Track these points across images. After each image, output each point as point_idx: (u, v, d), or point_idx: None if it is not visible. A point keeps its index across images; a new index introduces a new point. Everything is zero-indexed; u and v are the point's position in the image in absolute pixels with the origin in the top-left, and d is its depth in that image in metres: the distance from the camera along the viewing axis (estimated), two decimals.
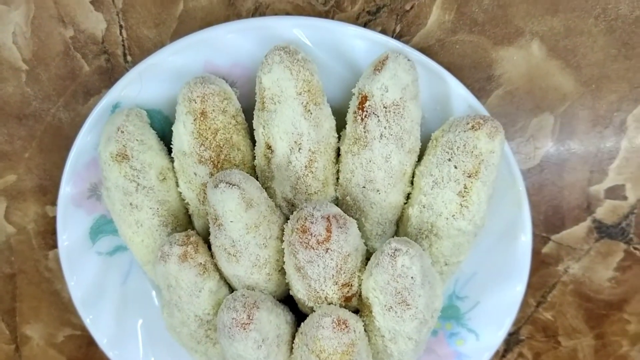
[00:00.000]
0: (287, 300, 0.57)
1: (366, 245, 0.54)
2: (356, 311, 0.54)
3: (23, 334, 0.67)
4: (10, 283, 0.65)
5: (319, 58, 0.53)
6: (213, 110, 0.50)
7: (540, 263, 0.63)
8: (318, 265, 0.49)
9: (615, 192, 0.60)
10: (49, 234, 0.63)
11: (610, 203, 0.60)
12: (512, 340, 0.66)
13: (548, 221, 0.61)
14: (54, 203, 0.62)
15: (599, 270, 0.63)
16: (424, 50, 0.55)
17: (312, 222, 0.47)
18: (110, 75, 0.57)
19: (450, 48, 0.55)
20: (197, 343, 0.55)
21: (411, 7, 0.54)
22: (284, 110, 0.50)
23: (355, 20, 0.55)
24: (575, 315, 0.65)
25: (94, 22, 0.55)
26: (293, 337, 0.54)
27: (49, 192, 0.62)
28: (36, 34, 0.56)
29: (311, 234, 0.47)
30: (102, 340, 0.61)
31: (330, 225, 0.47)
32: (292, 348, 0.53)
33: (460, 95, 0.53)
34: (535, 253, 0.62)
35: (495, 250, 0.58)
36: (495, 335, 0.60)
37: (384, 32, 0.55)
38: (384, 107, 0.49)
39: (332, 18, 0.55)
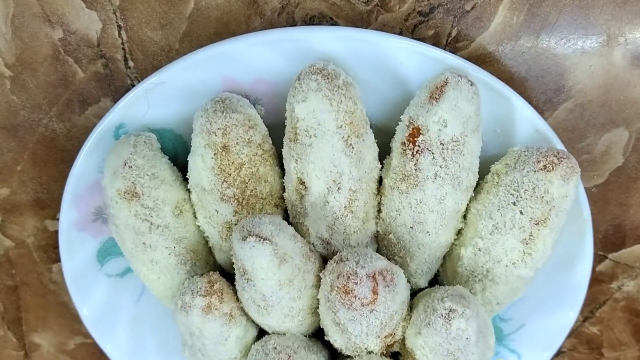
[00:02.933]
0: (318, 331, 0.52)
1: (409, 282, 0.48)
2: (395, 354, 0.49)
3: (32, 342, 0.63)
4: (13, 294, 0.60)
5: (358, 73, 0.44)
6: (237, 143, 0.42)
7: (593, 280, 0.57)
8: (361, 324, 0.43)
9: None
10: (51, 247, 0.57)
11: None
12: None
13: (607, 239, 0.55)
14: (54, 217, 0.55)
15: None
16: (484, 58, 0.46)
17: (355, 283, 0.41)
18: (109, 82, 0.48)
19: (516, 55, 0.46)
20: None
21: (472, 7, 0.45)
22: (321, 146, 0.42)
23: (403, 22, 0.45)
24: (623, 330, 0.60)
25: (86, 21, 0.46)
26: None
27: (47, 206, 0.55)
28: (18, 35, 0.46)
29: (355, 296, 0.41)
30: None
31: (377, 285, 0.41)
32: None
33: (526, 118, 0.45)
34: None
35: (549, 277, 0.52)
36: (539, 357, 0.56)
37: (437, 35, 0.46)
38: (440, 143, 0.41)
39: (376, 19, 0.45)
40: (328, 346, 0.51)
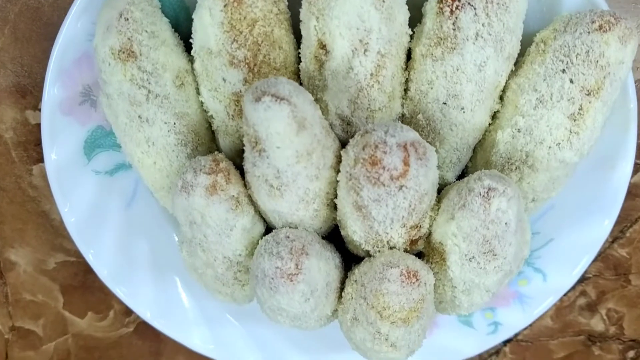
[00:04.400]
0: (330, 234, 0.46)
1: None
2: (419, 254, 0.44)
3: (7, 260, 0.57)
4: None
5: None
6: None
7: (627, 194, 0.52)
8: (387, 205, 0.38)
9: None
10: (32, 144, 0.51)
11: None
12: None
13: None
14: (36, 107, 0.49)
15: None
16: None
17: (384, 152, 0.36)
18: None
19: None
20: (223, 285, 0.46)
21: None
22: None
23: None
24: None
25: None
26: (341, 283, 0.44)
27: (28, 93, 0.49)
28: None
29: (383, 167, 0.36)
30: (104, 272, 0.51)
31: (409, 156, 0.36)
32: (340, 296, 0.44)
33: None
34: None
35: (584, 180, 0.48)
36: (566, 277, 0.51)
37: None
38: None
39: None
40: (341, 252, 0.46)
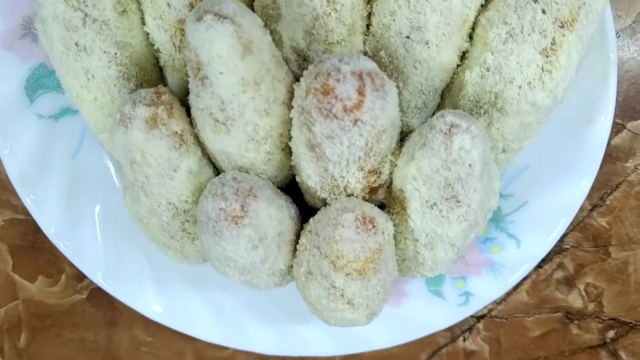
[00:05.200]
0: (288, 188, 0.43)
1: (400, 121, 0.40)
2: (381, 207, 0.41)
3: None
4: None
5: None
6: None
7: (607, 157, 0.50)
8: (341, 143, 0.35)
9: None
10: None
11: None
12: (553, 249, 0.55)
13: (627, 103, 0.47)
14: None
15: None
16: None
17: (337, 80, 0.33)
18: None
19: None
20: (171, 238, 0.42)
21: None
22: None
23: None
24: (636, 223, 0.53)
25: None
26: (297, 237, 0.41)
27: None
28: None
29: (336, 97, 0.33)
30: (49, 227, 0.48)
31: (364, 86, 0.33)
32: (295, 250, 0.41)
33: None
34: None
35: (559, 136, 0.45)
36: (541, 243, 0.48)
37: None
38: None
39: None
40: (302, 209, 0.43)
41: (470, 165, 0.34)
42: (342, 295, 0.38)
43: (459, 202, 0.36)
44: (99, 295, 0.57)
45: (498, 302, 0.58)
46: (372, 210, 0.36)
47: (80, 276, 0.56)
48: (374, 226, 0.36)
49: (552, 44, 0.35)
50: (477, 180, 0.35)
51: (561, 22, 0.35)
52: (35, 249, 0.55)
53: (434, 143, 0.34)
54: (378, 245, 0.36)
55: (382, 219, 0.37)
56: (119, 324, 0.58)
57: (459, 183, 0.35)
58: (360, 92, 0.33)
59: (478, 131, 0.34)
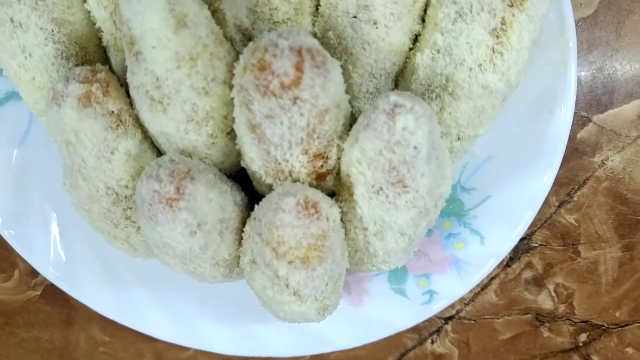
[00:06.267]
0: (239, 176, 0.42)
1: (351, 107, 0.39)
2: (332, 195, 0.39)
3: None
4: None
5: None
6: None
7: (573, 151, 0.49)
8: (281, 123, 0.33)
9: None
10: None
11: None
12: (521, 247, 0.53)
13: (592, 95, 0.46)
14: None
15: None
16: None
17: (274, 55, 0.31)
18: None
19: None
20: (115, 227, 0.41)
21: None
22: None
23: None
24: (605, 221, 0.52)
25: None
26: (244, 225, 0.39)
27: None
28: None
29: (273, 73, 0.31)
30: None
31: (303, 62, 0.32)
32: (241, 239, 0.39)
33: None
34: (569, 138, 0.47)
35: (520, 127, 0.44)
36: (506, 238, 0.47)
37: None
38: None
39: None
40: (251, 195, 0.41)
41: (415, 147, 0.33)
42: (287, 286, 0.37)
43: (405, 187, 0.34)
44: (53, 292, 0.55)
45: (466, 303, 0.56)
46: (316, 195, 0.35)
47: (34, 272, 0.54)
48: (316, 211, 0.34)
49: (502, 23, 0.34)
50: (424, 163, 0.34)
51: (510, 1, 0.33)
52: None
53: (377, 124, 0.32)
54: (321, 231, 0.35)
55: (326, 204, 0.35)
56: (75, 323, 0.57)
57: (405, 166, 0.33)
58: (299, 68, 0.31)
59: (423, 111, 0.32)
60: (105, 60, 0.40)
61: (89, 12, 0.38)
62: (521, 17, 0.34)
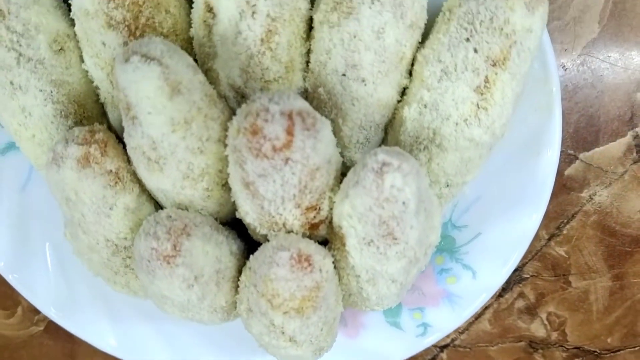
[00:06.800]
0: (235, 222, 0.43)
1: (342, 157, 0.40)
2: (324, 242, 0.40)
3: None
4: None
5: None
6: None
7: (561, 187, 0.50)
8: (274, 181, 0.34)
9: None
10: None
11: None
12: (513, 278, 0.55)
13: (578, 134, 0.47)
14: None
15: (631, 199, 0.50)
16: None
17: (266, 120, 0.32)
18: None
19: None
20: (115, 274, 0.42)
21: None
22: None
23: None
24: (594, 252, 0.53)
25: None
26: (241, 272, 0.40)
27: None
28: None
29: (264, 137, 0.33)
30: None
31: (293, 125, 0.33)
32: (238, 286, 0.40)
33: None
34: (557, 175, 0.48)
35: (508, 168, 0.45)
36: (496, 274, 0.48)
37: None
38: None
39: None
40: (247, 240, 0.43)
41: (403, 203, 0.34)
42: (283, 333, 0.38)
43: (395, 239, 0.35)
44: (56, 328, 0.56)
45: (461, 332, 0.57)
46: (309, 248, 0.36)
47: (36, 309, 0.55)
48: (309, 264, 0.35)
49: (485, 81, 0.35)
50: (413, 217, 0.35)
51: (493, 61, 0.35)
52: None
53: (366, 181, 0.34)
54: (315, 283, 0.36)
55: (319, 256, 0.36)
56: (78, 356, 0.58)
57: (394, 220, 0.35)
58: (289, 132, 0.33)
59: (410, 169, 0.34)
60: (103, 115, 0.41)
61: (87, 71, 0.39)
62: (504, 76, 0.35)
